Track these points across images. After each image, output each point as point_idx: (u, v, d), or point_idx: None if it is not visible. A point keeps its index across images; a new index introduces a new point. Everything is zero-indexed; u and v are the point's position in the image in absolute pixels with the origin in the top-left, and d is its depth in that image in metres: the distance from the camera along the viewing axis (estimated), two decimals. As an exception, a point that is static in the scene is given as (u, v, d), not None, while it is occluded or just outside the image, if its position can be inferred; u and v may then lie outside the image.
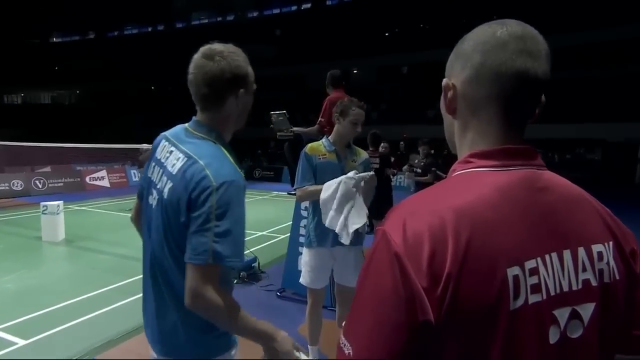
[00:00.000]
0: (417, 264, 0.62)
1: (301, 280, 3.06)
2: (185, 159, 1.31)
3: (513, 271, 0.64)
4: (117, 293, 4.78)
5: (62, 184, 14.60)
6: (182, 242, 1.27)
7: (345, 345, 0.67)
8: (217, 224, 1.22)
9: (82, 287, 4.92)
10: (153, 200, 1.38)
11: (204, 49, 1.35)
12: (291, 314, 4.25)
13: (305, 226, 4.44)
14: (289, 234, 5.06)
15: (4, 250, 6.87)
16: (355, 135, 3.01)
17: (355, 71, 27.64)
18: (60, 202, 7.56)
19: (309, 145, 2.99)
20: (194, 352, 1.37)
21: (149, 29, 36.10)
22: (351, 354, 0.66)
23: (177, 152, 1.35)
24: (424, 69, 26.18)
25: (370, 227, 6.13)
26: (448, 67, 0.81)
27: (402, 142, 11.55)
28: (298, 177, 2.93)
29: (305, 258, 3.02)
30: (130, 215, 1.64)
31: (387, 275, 0.64)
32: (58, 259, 6.69)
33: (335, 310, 4.11)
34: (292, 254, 4.71)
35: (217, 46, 1.36)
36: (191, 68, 1.35)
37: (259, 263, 5.49)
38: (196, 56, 1.35)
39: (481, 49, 0.74)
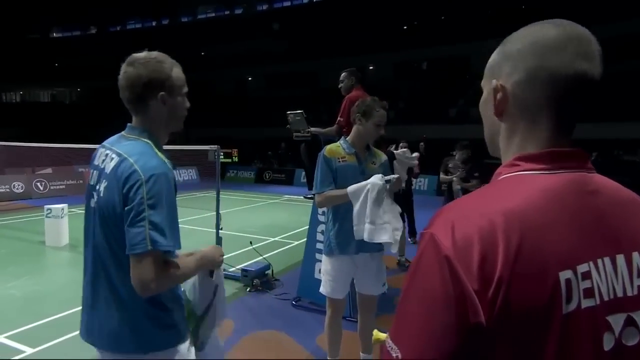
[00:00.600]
0: (467, 267, 0.65)
1: (321, 289, 3.09)
2: (118, 158, 1.52)
3: (565, 275, 0.67)
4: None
5: (64, 187, 14.91)
6: (120, 237, 1.45)
7: (392, 348, 0.70)
8: (150, 213, 1.40)
9: (89, 294, 5.04)
10: (94, 203, 1.58)
11: (129, 57, 1.59)
12: (308, 324, 4.30)
13: (323, 232, 4.53)
14: (303, 240, 5.11)
15: (7, 255, 7.05)
16: (377, 138, 3.06)
17: (370, 67, 27.63)
18: (65, 205, 7.72)
19: (328, 147, 3.02)
20: (141, 346, 1.54)
21: (153, 24, 36.54)
22: (399, 356, 0.68)
23: (112, 154, 1.56)
24: (445, 65, 26.08)
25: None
26: (494, 67, 0.84)
27: (422, 143, 11.51)
28: (317, 182, 2.95)
29: (326, 267, 3.05)
30: None
31: (437, 278, 0.67)
32: (63, 264, 6.84)
33: (354, 321, 4.16)
34: (309, 261, 4.76)
35: (140, 54, 1.59)
36: (119, 75, 1.60)
37: (272, 270, 5.56)
38: (123, 64, 1.59)
39: (537, 51, 0.76)
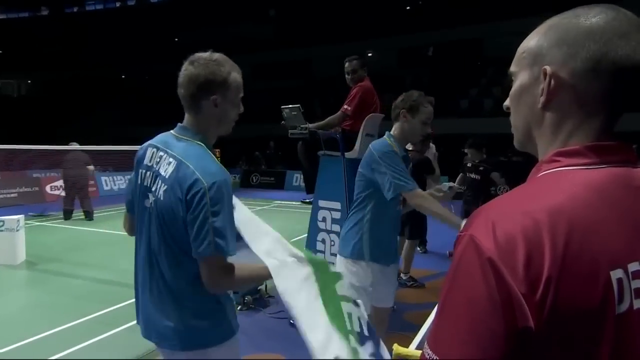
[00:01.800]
0: (512, 269, 0.70)
1: None
2: (175, 163, 1.78)
3: (616, 274, 0.72)
4: (97, 324, 4.93)
5: (16, 195, 14.80)
6: (179, 237, 1.76)
7: (432, 358, 0.76)
8: (214, 220, 1.69)
9: (54, 318, 5.06)
10: (150, 203, 1.85)
11: (192, 55, 1.85)
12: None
13: (323, 241, 4.60)
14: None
15: (-47, 275, 6.99)
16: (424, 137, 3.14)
17: (370, 54, 27.74)
18: (21, 217, 7.72)
19: (392, 144, 3.00)
20: (196, 343, 1.81)
21: (117, 4, 36.51)
22: None
23: (167, 157, 1.82)
24: (454, 51, 26.31)
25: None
26: (539, 53, 0.87)
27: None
28: (400, 178, 2.81)
29: (350, 279, 2.95)
30: (124, 229, 2.15)
31: (480, 282, 0.72)
32: (20, 285, 6.84)
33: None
34: (307, 276, 4.82)
35: (204, 54, 1.85)
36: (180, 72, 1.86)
37: (266, 286, 5.62)
38: (185, 62, 1.85)
39: (599, 38, 0.79)
